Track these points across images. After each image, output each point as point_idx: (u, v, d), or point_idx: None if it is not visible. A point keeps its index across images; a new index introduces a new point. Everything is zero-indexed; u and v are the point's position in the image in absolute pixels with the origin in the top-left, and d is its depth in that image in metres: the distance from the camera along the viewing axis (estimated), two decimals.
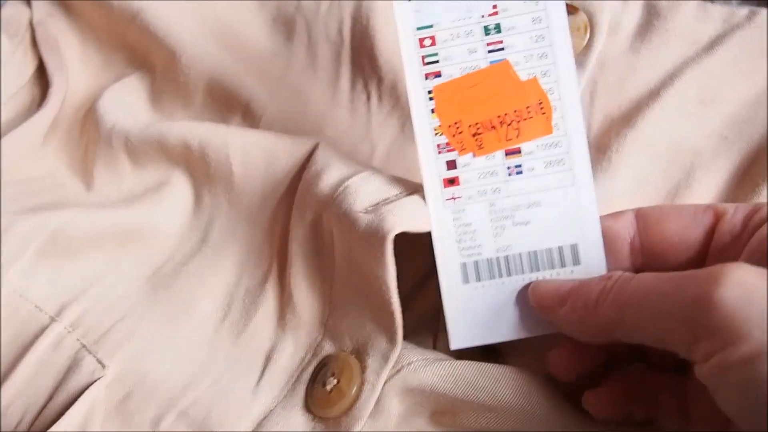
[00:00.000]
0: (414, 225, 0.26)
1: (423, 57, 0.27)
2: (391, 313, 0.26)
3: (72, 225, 0.32)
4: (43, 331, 0.30)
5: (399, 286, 0.26)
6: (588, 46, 0.32)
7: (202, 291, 0.32)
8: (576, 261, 0.27)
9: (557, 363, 0.26)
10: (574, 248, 0.27)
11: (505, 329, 0.27)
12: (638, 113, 0.32)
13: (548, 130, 0.26)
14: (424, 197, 0.27)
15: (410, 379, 0.27)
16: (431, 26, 0.27)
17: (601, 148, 0.32)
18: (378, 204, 0.27)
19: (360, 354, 0.28)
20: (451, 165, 0.27)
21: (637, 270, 0.26)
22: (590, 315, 0.24)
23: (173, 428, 0.28)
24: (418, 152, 0.27)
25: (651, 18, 0.33)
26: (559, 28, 0.26)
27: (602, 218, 0.27)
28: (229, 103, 0.36)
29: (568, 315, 0.25)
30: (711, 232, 0.25)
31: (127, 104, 0.37)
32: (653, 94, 0.32)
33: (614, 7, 0.33)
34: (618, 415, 0.26)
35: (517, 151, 0.27)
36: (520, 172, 0.27)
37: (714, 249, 0.25)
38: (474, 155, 0.27)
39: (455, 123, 0.27)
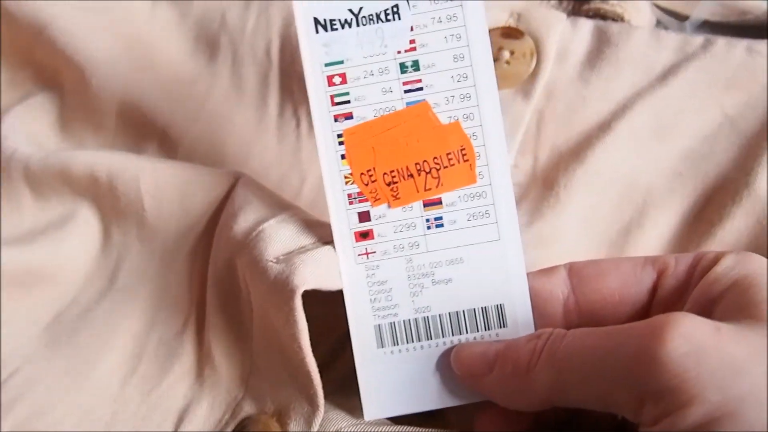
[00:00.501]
0: (325, 282, 0.24)
1: (332, 96, 0.24)
2: (307, 374, 0.24)
3: None
4: None
5: (324, 338, 0.24)
6: (534, 74, 0.31)
7: (108, 340, 0.29)
8: (502, 323, 0.25)
9: (485, 428, 0.24)
10: (499, 309, 0.25)
11: (426, 398, 0.25)
12: (588, 146, 0.30)
13: (472, 180, 0.24)
14: None
15: None
16: (341, 62, 0.24)
17: (548, 183, 0.30)
18: (292, 253, 0.25)
19: (281, 417, 0.26)
20: (364, 217, 0.25)
21: None
22: (521, 381, 0.22)
23: None
24: (327, 203, 0.25)
25: (602, 45, 0.31)
26: (484, 66, 0.24)
27: (531, 276, 0.25)
28: (144, 130, 0.34)
29: (497, 382, 0.23)
30: (653, 288, 0.24)
31: (31, 129, 0.34)
32: (604, 126, 0.30)
33: (562, 32, 0.31)
34: None
35: (438, 202, 0.24)
36: (440, 225, 0.25)
37: (657, 306, 0.24)
38: (389, 206, 0.24)
39: (368, 171, 0.24)
